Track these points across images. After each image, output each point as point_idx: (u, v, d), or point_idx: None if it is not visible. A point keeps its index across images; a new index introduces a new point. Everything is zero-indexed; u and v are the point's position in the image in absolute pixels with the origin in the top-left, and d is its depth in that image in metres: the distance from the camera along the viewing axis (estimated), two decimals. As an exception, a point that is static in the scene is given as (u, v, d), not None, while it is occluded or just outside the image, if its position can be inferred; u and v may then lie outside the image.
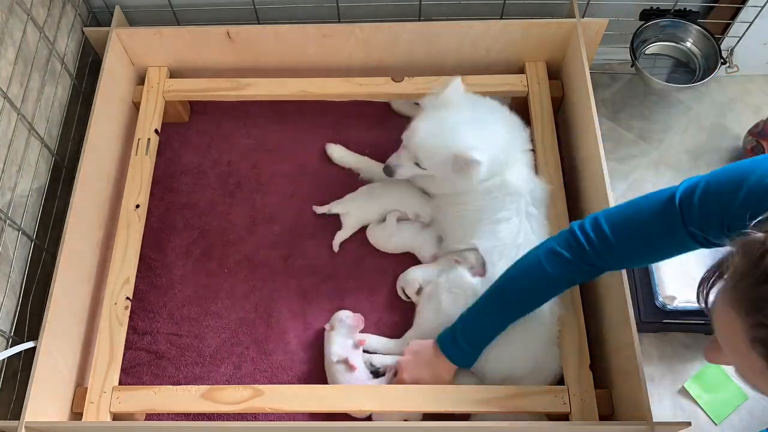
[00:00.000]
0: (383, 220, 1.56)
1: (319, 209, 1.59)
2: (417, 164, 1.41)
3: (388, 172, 1.46)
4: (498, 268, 1.35)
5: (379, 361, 1.42)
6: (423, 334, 1.42)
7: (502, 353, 1.34)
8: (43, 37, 1.49)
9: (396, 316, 1.50)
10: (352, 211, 1.57)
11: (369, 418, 1.37)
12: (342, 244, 1.58)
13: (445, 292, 1.39)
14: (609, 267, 1.17)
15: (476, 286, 1.36)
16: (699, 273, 1.46)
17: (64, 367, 1.36)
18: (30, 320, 1.39)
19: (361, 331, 1.46)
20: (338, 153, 1.67)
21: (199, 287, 1.54)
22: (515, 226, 1.38)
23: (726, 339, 0.75)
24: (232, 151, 1.71)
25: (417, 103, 1.51)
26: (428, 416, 1.33)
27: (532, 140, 1.52)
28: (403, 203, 1.55)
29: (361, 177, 1.65)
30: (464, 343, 1.28)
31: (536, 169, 1.50)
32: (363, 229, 1.58)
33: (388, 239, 1.54)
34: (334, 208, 1.58)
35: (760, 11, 1.63)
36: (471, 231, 1.42)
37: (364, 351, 1.43)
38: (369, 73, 1.66)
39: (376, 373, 1.42)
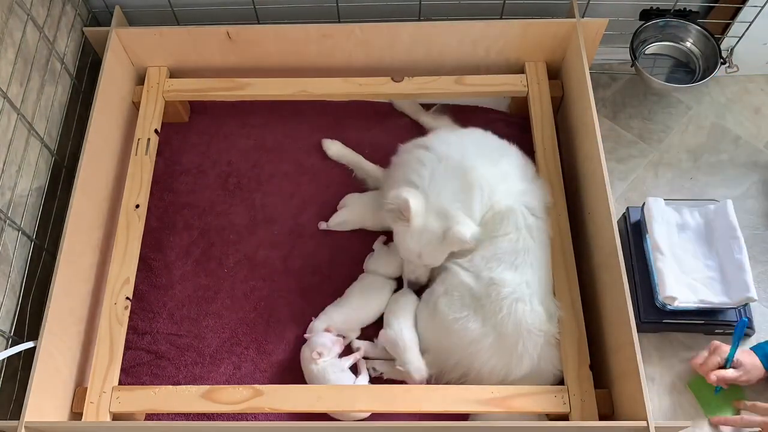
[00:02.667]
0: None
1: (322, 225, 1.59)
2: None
3: (414, 287, 1.47)
4: (495, 272, 1.34)
5: (381, 367, 1.42)
6: (421, 338, 1.41)
7: (501, 354, 1.34)
8: (43, 37, 1.49)
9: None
10: (348, 217, 1.58)
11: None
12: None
13: (441, 295, 1.38)
14: None
15: (472, 285, 1.36)
16: (698, 274, 1.48)
17: (64, 367, 1.36)
18: (30, 320, 1.39)
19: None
20: (334, 148, 1.66)
21: (199, 287, 1.54)
22: (514, 236, 1.37)
23: None
24: (232, 151, 1.70)
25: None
26: (428, 416, 1.33)
27: (532, 141, 1.52)
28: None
29: (355, 175, 1.65)
30: None
31: (537, 169, 1.50)
32: (363, 230, 1.58)
33: (386, 266, 1.51)
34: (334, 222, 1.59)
35: (760, 11, 1.63)
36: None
37: (364, 357, 1.43)
38: (369, 73, 1.66)
39: (379, 379, 1.42)
